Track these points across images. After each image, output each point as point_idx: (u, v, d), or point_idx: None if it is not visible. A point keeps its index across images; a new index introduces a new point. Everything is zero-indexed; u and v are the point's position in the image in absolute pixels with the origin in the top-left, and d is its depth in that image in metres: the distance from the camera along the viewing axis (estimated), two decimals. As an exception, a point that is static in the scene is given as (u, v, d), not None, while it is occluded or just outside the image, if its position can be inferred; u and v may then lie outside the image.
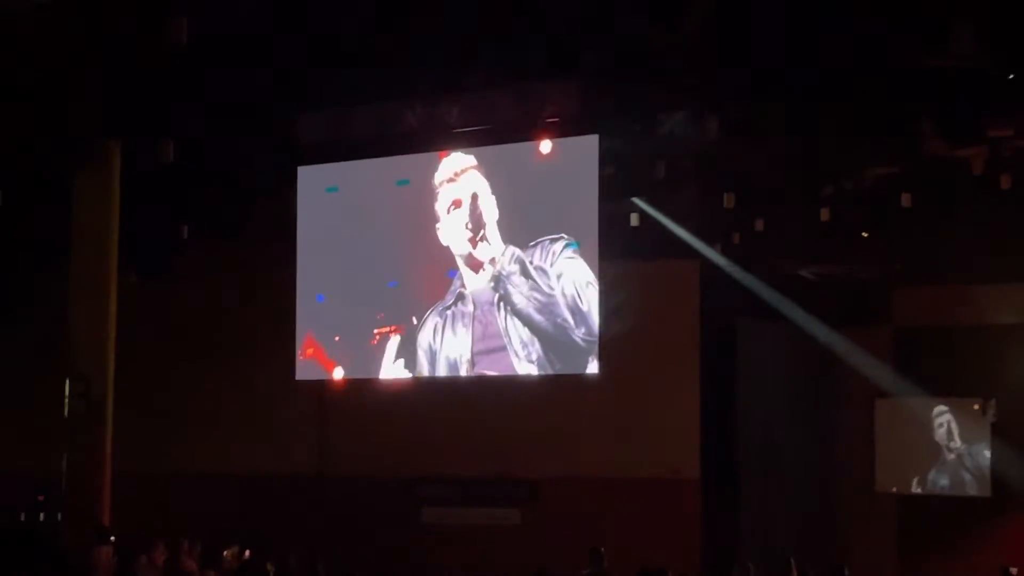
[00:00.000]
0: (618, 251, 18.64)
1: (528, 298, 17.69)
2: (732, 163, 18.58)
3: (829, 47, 14.62)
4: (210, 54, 14.92)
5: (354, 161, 18.87)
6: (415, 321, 18.50)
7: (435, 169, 18.38)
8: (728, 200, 19.20)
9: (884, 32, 14.16)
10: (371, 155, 18.66)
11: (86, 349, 17.95)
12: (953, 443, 22.45)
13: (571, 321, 17.37)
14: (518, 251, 17.72)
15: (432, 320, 18.43)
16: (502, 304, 17.87)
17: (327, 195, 19.30)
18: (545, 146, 17.46)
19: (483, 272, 18.07)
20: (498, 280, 17.89)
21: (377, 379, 19.13)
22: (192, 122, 17.30)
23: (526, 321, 17.73)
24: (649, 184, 19.22)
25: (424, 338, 18.45)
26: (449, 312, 18.30)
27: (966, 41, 13.05)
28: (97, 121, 17.73)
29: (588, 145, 17.13)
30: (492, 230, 17.95)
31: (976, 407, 22.11)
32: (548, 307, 17.53)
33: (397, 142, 18.25)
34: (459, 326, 18.21)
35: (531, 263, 17.60)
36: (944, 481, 22.48)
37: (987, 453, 21.97)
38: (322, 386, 20.99)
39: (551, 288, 17.50)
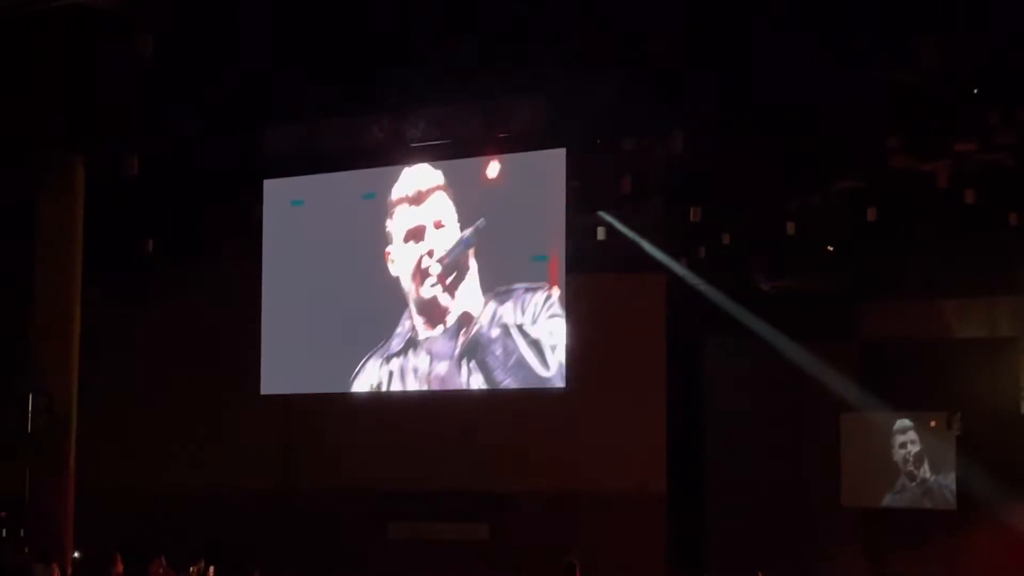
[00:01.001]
0: (584, 265, 18.62)
1: (501, 356, 17.55)
2: (698, 177, 18.60)
3: (795, 62, 14.66)
4: (175, 68, 14.87)
5: (320, 175, 18.80)
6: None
7: (402, 186, 18.29)
8: (694, 214, 19.23)
9: (850, 47, 14.21)
10: (337, 168, 18.60)
11: (50, 364, 17.84)
12: (918, 458, 22.51)
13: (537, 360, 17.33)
14: (499, 310, 17.54)
15: (375, 369, 18.30)
16: (467, 362, 17.73)
17: (293, 208, 19.23)
18: (492, 169, 17.38)
19: (447, 327, 17.93)
20: (474, 344, 17.70)
21: (343, 394, 19.04)
22: (156, 136, 17.23)
23: (491, 369, 17.64)
24: (615, 198, 19.23)
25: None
26: (398, 363, 18.18)
27: (931, 56, 13.10)
28: (60, 136, 17.64)
29: (555, 159, 17.11)
30: (472, 280, 17.82)
31: (934, 423, 22.19)
32: (519, 358, 17.42)
33: (363, 156, 18.21)
34: (410, 381, 18.11)
35: (513, 324, 17.43)
36: (909, 495, 22.53)
37: (952, 467, 22.03)
38: (287, 401, 20.90)
39: (527, 344, 17.40)
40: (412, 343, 18.12)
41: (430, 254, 17.87)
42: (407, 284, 18.11)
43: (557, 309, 16.95)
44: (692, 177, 18.61)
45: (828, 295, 22.44)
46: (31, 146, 17.79)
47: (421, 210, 18.04)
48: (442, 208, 17.89)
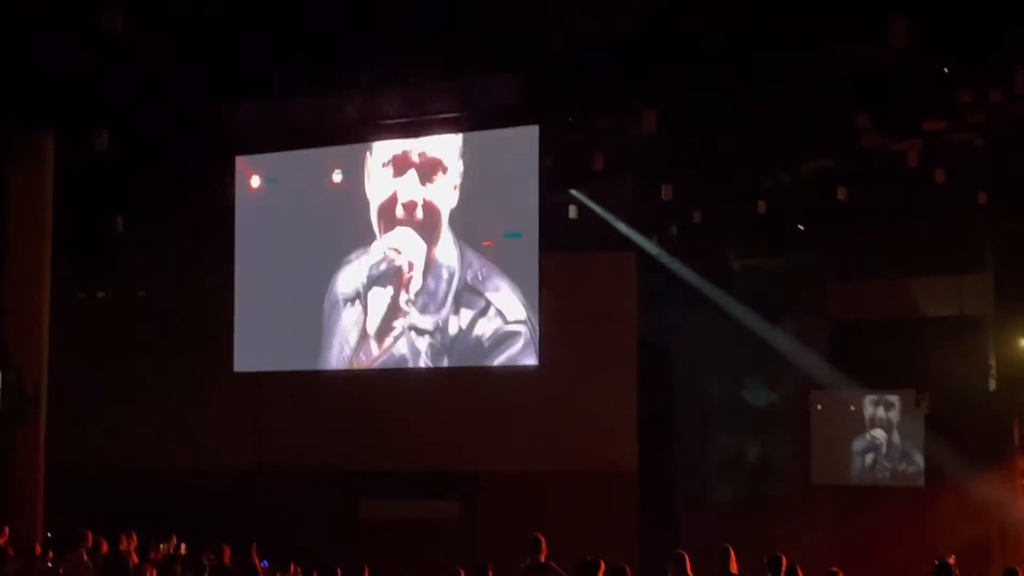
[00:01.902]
0: (556, 243, 18.63)
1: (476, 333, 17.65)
2: (670, 156, 18.62)
3: (765, 39, 14.69)
4: (145, 42, 14.78)
5: (292, 151, 18.75)
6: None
7: (375, 161, 18.27)
8: (666, 192, 19.27)
9: (820, 25, 14.24)
10: (309, 145, 18.55)
11: (20, 343, 17.78)
12: (887, 435, 22.62)
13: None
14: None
15: (349, 343, 18.31)
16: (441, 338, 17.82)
17: (265, 185, 19.17)
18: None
19: (424, 303, 17.98)
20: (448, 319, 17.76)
21: (314, 371, 19.02)
22: (126, 111, 17.14)
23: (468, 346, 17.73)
24: (587, 176, 19.24)
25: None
26: (372, 339, 18.22)
27: (901, 34, 13.13)
28: (29, 111, 17.53)
29: (527, 136, 17.10)
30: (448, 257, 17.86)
31: (900, 399, 22.33)
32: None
33: (336, 133, 18.17)
34: (384, 358, 18.16)
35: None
36: (878, 473, 22.65)
37: (921, 444, 22.16)
38: (259, 378, 20.85)
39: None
40: (388, 318, 18.10)
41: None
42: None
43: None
44: (664, 155, 18.63)
45: (798, 273, 22.51)
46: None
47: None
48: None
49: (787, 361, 22.69)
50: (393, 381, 19.92)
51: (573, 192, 20.50)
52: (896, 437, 22.48)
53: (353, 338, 18.45)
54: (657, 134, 16.74)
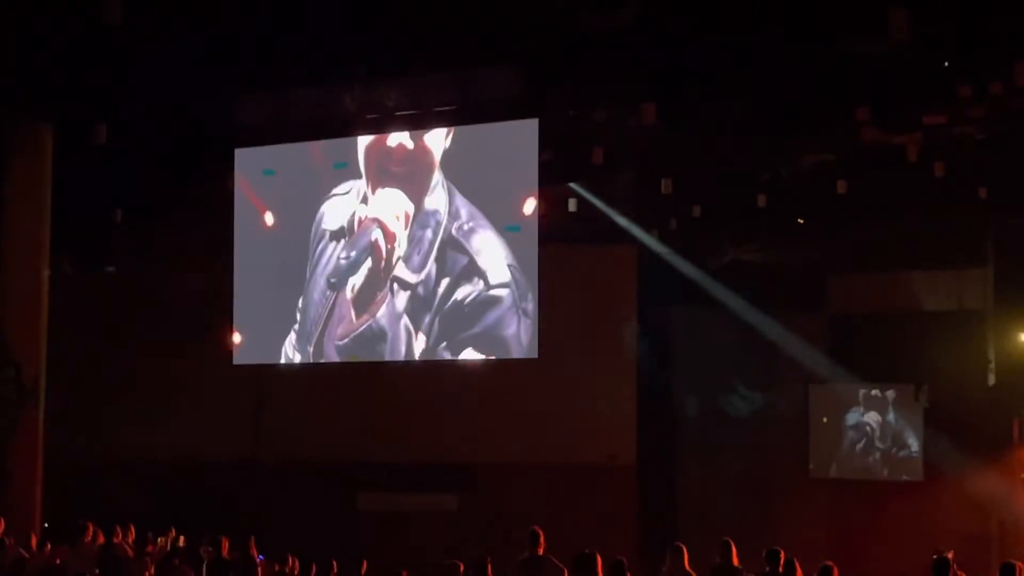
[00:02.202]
0: (556, 236, 18.64)
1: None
2: (670, 149, 18.61)
3: (765, 32, 14.67)
4: (145, 34, 14.76)
5: (292, 144, 18.73)
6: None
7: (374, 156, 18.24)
8: (665, 186, 19.26)
9: (820, 18, 14.22)
10: (309, 138, 18.54)
11: (18, 335, 17.77)
12: (886, 428, 22.64)
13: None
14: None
15: (346, 337, 18.29)
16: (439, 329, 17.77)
17: (264, 178, 19.15)
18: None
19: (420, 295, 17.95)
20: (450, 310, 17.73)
21: (313, 364, 19.01)
22: (126, 104, 17.12)
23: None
24: (586, 169, 19.23)
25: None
26: (369, 332, 18.18)
27: (902, 28, 13.12)
28: (28, 103, 17.52)
29: (527, 129, 17.08)
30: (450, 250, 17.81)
31: (894, 392, 22.37)
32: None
33: (335, 125, 18.15)
34: (382, 350, 18.13)
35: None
36: (877, 466, 22.67)
37: (919, 438, 22.18)
38: (258, 371, 20.85)
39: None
40: (381, 280, 18.06)
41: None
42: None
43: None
44: (664, 149, 18.62)
45: (798, 267, 22.52)
46: (-1, 114, 17.70)
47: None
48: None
49: (786, 354, 22.69)
50: (392, 374, 19.92)
51: (572, 185, 20.48)
52: (894, 431, 22.49)
53: (353, 329, 18.44)
54: (657, 127, 16.74)
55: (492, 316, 17.24)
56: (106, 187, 20.43)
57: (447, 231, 17.44)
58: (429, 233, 17.46)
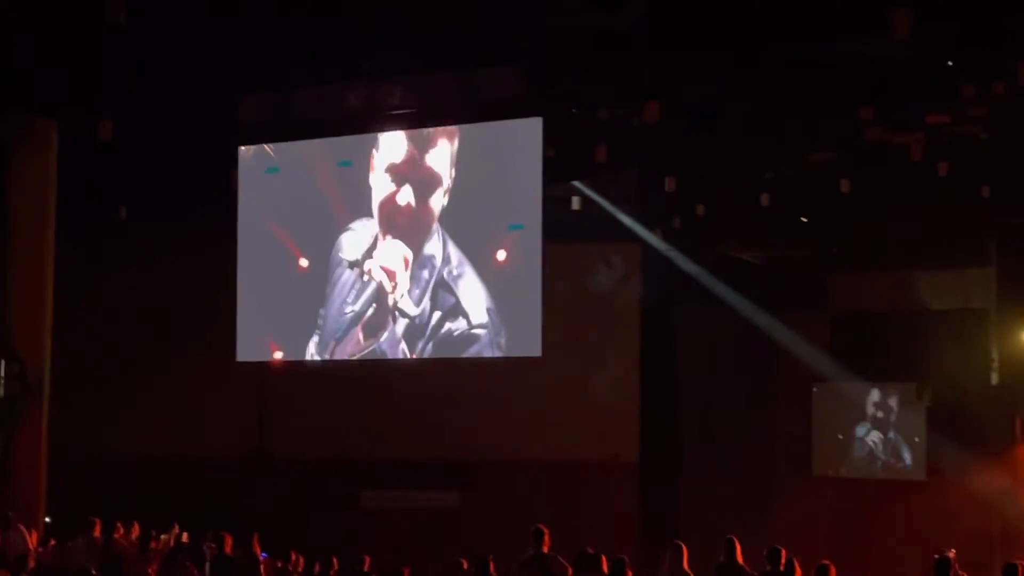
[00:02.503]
0: (559, 234, 18.65)
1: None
2: (673, 148, 18.62)
3: (768, 31, 14.67)
4: (149, 32, 14.79)
5: (295, 142, 18.75)
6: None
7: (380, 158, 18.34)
8: (669, 184, 19.26)
9: (823, 17, 14.23)
10: (313, 136, 18.55)
11: (23, 331, 17.81)
12: (888, 428, 22.65)
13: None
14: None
15: (349, 336, 18.52)
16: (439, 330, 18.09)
17: (268, 176, 19.18)
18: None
19: (421, 295, 18.26)
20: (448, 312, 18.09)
21: (316, 361, 19.04)
22: (130, 101, 17.15)
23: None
24: (590, 167, 19.24)
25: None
26: (373, 330, 18.42)
27: (905, 27, 13.12)
28: (33, 101, 17.55)
29: (530, 128, 17.10)
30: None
31: (900, 392, 22.36)
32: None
33: (339, 123, 18.16)
34: (385, 348, 18.38)
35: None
36: (880, 465, 22.69)
37: (922, 437, 22.19)
38: (261, 368, 20.87)
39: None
40: (387, 310, 18.13)
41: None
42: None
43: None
44: (667, 148, 18.63)
45: (801, 266, 22.53)
46: (3, 111, 17.69)
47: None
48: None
49: (789, 353, 22.71)
50: (394, 371, 19.94)
51: (576, 184, 20.49)
52: (897, 430, 22.50)
53: (356, 328, 18.50)
54: (660, 126, 16.74)
55: (473, 349, 17.63)
56: (111, 184, 20.46)
57: (440, 274, 17.74)
58: (426, 274, 17.86)
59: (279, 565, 15.20)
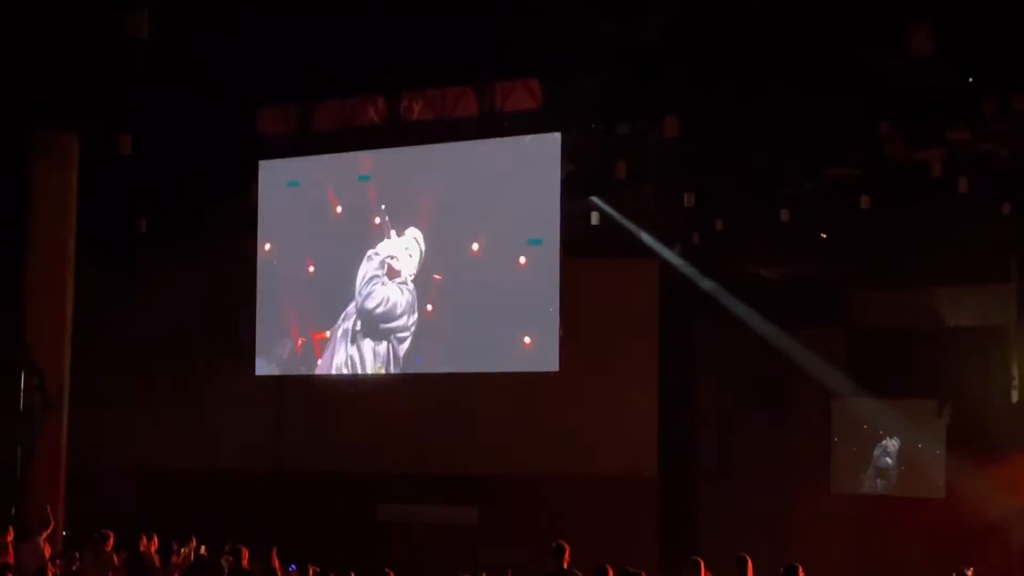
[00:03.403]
0: (578, 250, 18.67)
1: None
2: (692, 163, 18.62)
3: (788, 47, 14.68)
4: (171, 46, 14.85)
5: (316, 156, 18.82)
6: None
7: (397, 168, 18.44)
8: (688, 200, 19.25)
9: (844, 33, 14.24)
10: (333, 150, 18.62)
11: (43, 344, 17.85)
12: (908, 445, 22.56)
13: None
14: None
15: (368, 349, 18.64)
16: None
17: (288, 189, 19.23)
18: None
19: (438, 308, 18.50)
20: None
21: (335, 376, 19.07)
22: (151, 115, 17.22)
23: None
24: (609, 183, 19.25)
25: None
26: (391, 343, 18.57)
27: (925, 43, 13.12)
28: (55, 114, 17.62)
29: (550, 143, 17.13)
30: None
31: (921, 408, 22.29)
32: None
33: (359, 137, 18.22)
34: (402, 362, 18.59)
35: None
36: (898, 482, 22.59)
37: (941, 455, 22.08)
38: (279, 382, 20.89)
39: None
40: (405, 325, 18.17)
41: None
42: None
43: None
44: (686, 163, 18.63)
45: (820, 282, 22.46)
46: (26, 124, 17.77)
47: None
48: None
49: (807, 369, 22.63)
50: (411, 385, 19.95)
51: (595, 199, 20.49)
52: (917, 447, 22.41)
53: (374, 341, 18.58)
54: (679, 141, 16.75)
55: (491, 363, 18.31)
56: (131, 197, 20.52)
57: (458, 289, 18.43)
58: (444, 287, 18.45)
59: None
